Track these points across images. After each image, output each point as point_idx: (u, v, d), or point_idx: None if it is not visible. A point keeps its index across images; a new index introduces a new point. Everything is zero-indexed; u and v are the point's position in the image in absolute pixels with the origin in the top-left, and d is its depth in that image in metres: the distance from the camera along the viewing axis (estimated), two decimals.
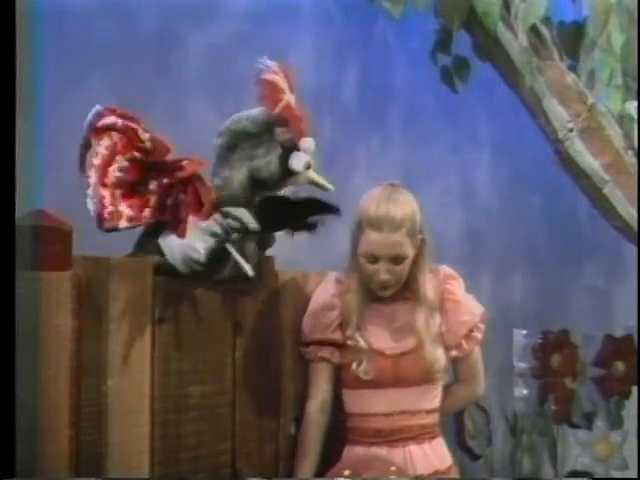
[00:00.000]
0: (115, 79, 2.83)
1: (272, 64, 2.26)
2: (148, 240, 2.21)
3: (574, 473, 3.91)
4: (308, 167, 2.28)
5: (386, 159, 3.74)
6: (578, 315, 4.40)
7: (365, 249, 2.43)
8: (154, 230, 2.20)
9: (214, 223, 2.21)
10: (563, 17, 3.41)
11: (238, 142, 2.27)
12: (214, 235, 2.20)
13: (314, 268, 2.66)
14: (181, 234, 2.16)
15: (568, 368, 3.94)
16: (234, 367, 2.35)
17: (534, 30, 3.25)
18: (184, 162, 2.17)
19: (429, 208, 2.58)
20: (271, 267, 2.48)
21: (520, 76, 3.23)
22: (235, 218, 2.22)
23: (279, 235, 2.41)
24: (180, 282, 2.21)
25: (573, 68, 3.40)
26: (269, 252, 2.44)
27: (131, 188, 2.14)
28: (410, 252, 2.44)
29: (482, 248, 4.15)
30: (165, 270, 2.17)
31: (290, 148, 2.26)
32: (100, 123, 2.13)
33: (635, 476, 3.59)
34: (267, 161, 2.25)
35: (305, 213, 2.33)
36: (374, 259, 2.43)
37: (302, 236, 2.43)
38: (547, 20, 3.30)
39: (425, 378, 2.49)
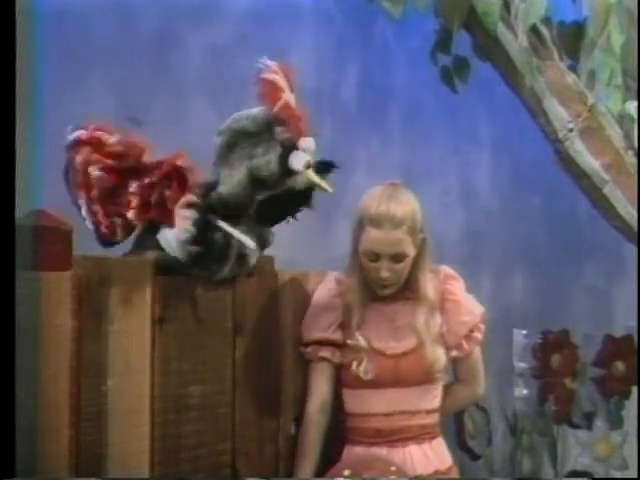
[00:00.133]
0: (115, 79, 2.83)
1: (272, 63, 2.26)
2: (146, 236, 2.21)
3: (574, 473, 3.91)
4: (308, 166, 2.28)
5: (386, 159, 3.74)
6: (578, 315, 4.40)
7: (366, 247, 2.43)
8: (151, 226, 2.20)
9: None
10: (563, 17, 3.41)
11: (238, 141, 2.27)
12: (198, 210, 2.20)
13: (314, 268, 2.66)
14: (171, 224, 2.16)
15: (568, 368, 3.94)
16: (234, 367, 2.35)
17: (534, 30, 3.25)
18: (164, 160, 2.18)
19: (429, 208, 2.58)
20: (271, 267, 2.48)
21: (520, 76, 3.23)
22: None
23: (279, 235, 2.41)
24: (180, 282, 2.21)
25: (573, 68, 3.40)
26: (269, 252, 2.44)
27: (114, 195, 2.15)
28: (411, 251, 2.44)
29: (482, 248, 4.15)
30: (168, 266, 2.17)
31: (290, 147, 2.26)
32: (68, 142, 2.15)
33: (635, 476, 3.59)
34: (266, 160, 2.25)
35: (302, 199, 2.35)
36: (375, 257, 2.43)
37: (302, 236, 2.44)
38: (547, 20, 3.30)
39: (425, 378, 2.50)
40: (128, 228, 2.18)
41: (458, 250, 3.84)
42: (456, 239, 3.95)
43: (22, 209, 1.92)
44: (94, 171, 2.14)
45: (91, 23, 2.80)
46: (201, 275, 2.24)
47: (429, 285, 2.51)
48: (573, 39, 3.40)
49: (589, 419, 3.98)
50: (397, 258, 2.43)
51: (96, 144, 2.17)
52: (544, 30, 3.30)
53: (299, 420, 2.51)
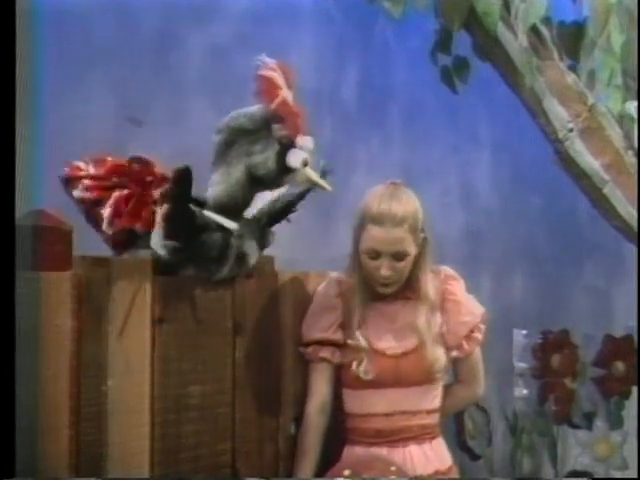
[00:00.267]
0: (115, 79, 2.83)
1: (270, 61, 2.26)
2: (142, 236, 2.21)
3: (574, 473, 3.91)
4: (305, 164, 2.28)
5: (386, 159, 3.74)
6: (578, 315, 4.40)
7: (367, 245, 2.43)
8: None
9: None
10: (563, 17, 3.41)
11: (236, 139, 2.26)
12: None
13: (314, 268, 2.66)
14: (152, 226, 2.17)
15: (568, 368, 3.93)
16: (234, 367, 2.35)
17: (534, 30, 3.25)
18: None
19: (429, 208, 2.57)
20: (271, 267, 2.48)
21: (520, 76, 3.23)
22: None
23: (279, 235, 2.41)
24: (180, 282, 2.21)
25: (573, 68, 3.39)
26: (269, 252, 2.44)
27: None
28: (412, 249, 2.44)
29: (482, 248, 4.15)
30: (162, 265, 2.17)
31: (287, 145, 2.26)
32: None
33: (635, 476, 3.59)
34: (264, 158, 2.25)
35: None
36: (376, 255, 2.43)
37: (302, 236, 2.44)
38: (547, 20, 3.30)
39: (426, 378, 2.49)
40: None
41: (458, 250, 3.84)
42: (456, 239, 3.95)
43: (22, 209, 1.92)
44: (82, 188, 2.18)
45: (91, 23, 2.80)
46: (200, 275, 2.24)
47: (430, 285, 2.51)
48: (573, 39, 3.40)
49: (589, 419, 3.98)
50: (398, 256, 2.43)
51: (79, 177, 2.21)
52: (544, 30, 3.29)
53: (299, 420, 2.51)
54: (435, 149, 3.98)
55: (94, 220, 2.19)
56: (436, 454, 2.53)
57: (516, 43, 3.21)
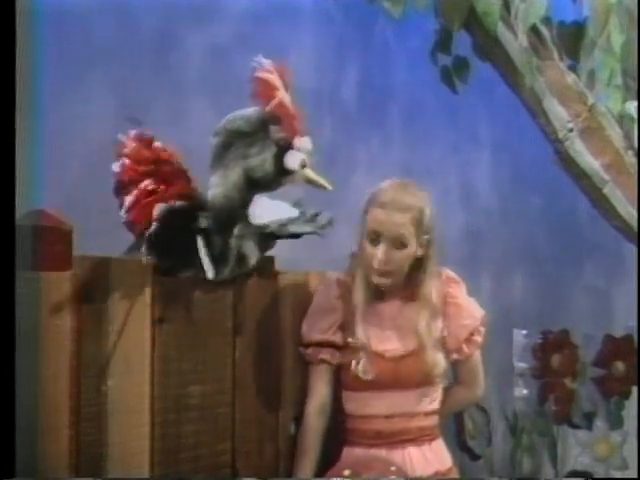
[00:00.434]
0: (115, 79, 2.83)
1: (266, 62, 2.26)
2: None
3: (574, 473, 3.91)
4: (303, 166, 2.27)
5: (386, 159, 3.74)
6: (578, 315, 4.41)
7: (368, 227, 2.43)
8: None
9: None
10: (563, 17, 3.41)
11: (233, 141, 2.26)
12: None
13: (314, 268, 2.66)
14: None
15: (568, 368, 3.94)
16: (234, 367, 2.35)
17: (534, 30, 3.25)
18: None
19: None
20: (271, 267, 2.48)
21: (520, 76, 3.23)
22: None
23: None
24: (180, 282, 2.21)
25: (573, 68, 3.39)
26: (269, 252, 2.43)
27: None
28: (412, 242, 2.42)
29: (482, 248, 4.15)
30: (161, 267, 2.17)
31: (285, 147, 2.25)
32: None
33: (635, 476, 3.60)
34: (261, 160, 2.24)
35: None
36: (375, 237, 2.42)
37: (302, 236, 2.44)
38: (547, 20, 3.30)
39: (425, 381, 2.49)
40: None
41: (458, 250, 3.84)
42: (456, 239, 3.95)
43: (22, 209, 1.92)
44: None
45: (91, 23, 2.80)
46: (201, 276, 2.23)
47: (434, 289, 2.50)
48: (573, 39, 3.40)
49: (589, 419, 3.98)
50: (396, 243, 2.42)
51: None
52: (544, 30, 3.29)
53: (299, 420, 2.51)
54: (435, 149, 3.98)
55: (119, 199, 2.18)
56: (435, 455, 2.53)
57: (516, 43, 3.21)
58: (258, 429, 2.43)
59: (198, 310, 2.25)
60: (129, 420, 2.08)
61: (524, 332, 3.93)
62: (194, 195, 2.22)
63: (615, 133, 3.37)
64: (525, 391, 3.94)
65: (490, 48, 3.24)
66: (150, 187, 2.15)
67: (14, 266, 1.83)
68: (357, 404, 2.50)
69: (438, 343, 2.50)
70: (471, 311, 2.57)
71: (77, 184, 2.67)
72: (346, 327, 2.49)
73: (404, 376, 2.46)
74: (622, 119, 3.39)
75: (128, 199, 2.15)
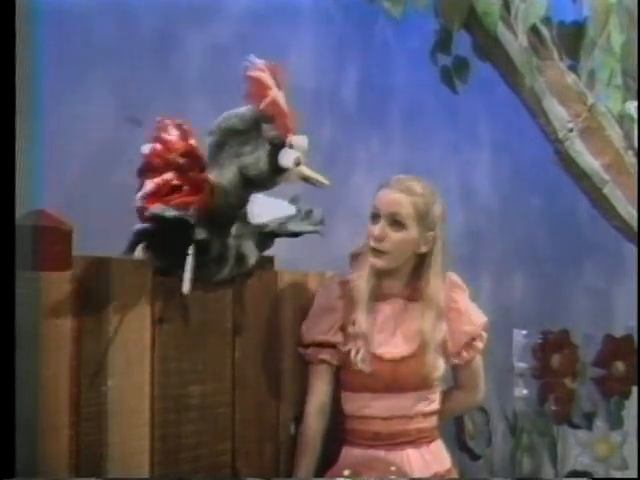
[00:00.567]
0: (115, 79, 2.83)
1: (259, 61, 2.26)
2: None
3: (574, 473, 3.91)
4: (298, 163, 2.26)
5: (386, 159, 3.74)
6: (578, 315, 4.41)
7: (372, 205, 2.44)
8: None
9: None
10: (563, 17, 3.41)
11: (227, 140, 2.25)
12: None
13: (314, 268, 2.66)
14: None
15: (568, 368, 3.94)
16: (234, 367, 2.35)
17: (534, 30, 3.25)
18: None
19: None
20: (271, 267, 2.48)
21: (520, 76, 3.23)
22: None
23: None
24: (180, 282, 2.21)
25: (573, 68, 3.40)
26: (269, 252, 2.44)
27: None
28: (411, 227, 2.41)
29: (482, 248, 4.15)
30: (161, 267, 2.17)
31: (278, 145, 2.24)
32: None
33: (635, 476, 3.60)
34: (255, 158, 2.23)
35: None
36: (375, 215, 2.43)
37: (302, 236, 2.44)
38: (547, 20, 3.30)
39: (422, 384, 2.48)
40: None
41: (458, 250, 3.83)
42: (456, 239, 3.95)
43: (22, 209, 1.92)
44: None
45: (91, 23, 2.80)
46: (201, 276, 2.23)
47: (440, 290, 2.48)
48: (573, 39, 3.40)
49: (589, 419, 3.98)
50: (393, 222, 2.42)
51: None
52: (544, 30, 3.30)
53: (299, 420, 2.51)
54: (435, 149, 3.98)
55: (139, 181, 2.18)
56: (434, 457, 2.52)
57: (516, 43, 3.21)
58: (258, 429, 2.43)
59: (198, 310, 2.25)
60: (129, 420, 2.08)
61: (524, 332, 3.93)
62: (209, 207, 2.19)
63: (615, 133, 3.38)
64: (525, 391, 3.94)
65: (490, 48, 3.24)
66: (174, 182, 2.14)
67: (14, 266, 1.83)
68: (356, 405, 2.50)
69: (440, 346, 2.49)
70: (472, 318, 2.56)
71: (77, 184, 2.67)
72: (346, 328, 2.49)
73: (403, 378, 2.46)
74: (622, 119, 3.40)
75: (149, 186, 2.14)
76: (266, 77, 2.22)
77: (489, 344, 2.64)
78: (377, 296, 2.49)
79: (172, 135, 2.18)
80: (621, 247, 3.93)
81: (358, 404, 2.49)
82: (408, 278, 2.50)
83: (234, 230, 2.28)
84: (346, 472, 2.34)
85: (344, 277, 2.54)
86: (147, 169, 2.16)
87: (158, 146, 2.17)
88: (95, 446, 2.01)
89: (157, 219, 2.11)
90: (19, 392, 1.82)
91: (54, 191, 2.32)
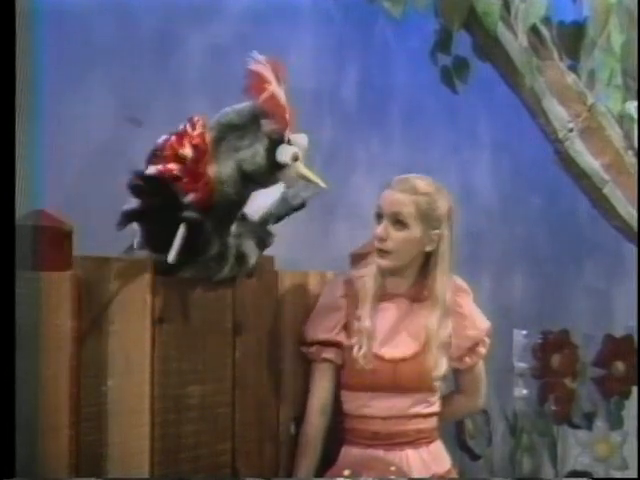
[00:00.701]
0: (115, 79, 2.83)
1: (260, 57, 2.25)
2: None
3: (574, 473, 3.91)
4: (295, 159, 2.25)
5: (386, 159, 3.74)
6: (578, 315, 4.40)
7: (376, 205, 2.44)
8: None
9: None
10: (563, 17, 3.41)
11: (225, 135, 2.25)
12: None
13: (314, 268, 2.66)
14: None
15: (568, 368, 3.94)
16: (234, 367, 2.35)
17: (534, 30, 3.25)
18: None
19: None
20: (271, 267, 2.48)
21: (520, 76, 3.23)
22: None
23: (279, 235, 2.41)
24: (180, 282, 2.21)
25: (573, 68, 3.40)
26: (269, 252, 2.44)
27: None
28: (414, 226, 2.41)
29: (482, 248, 4.15)
30: (160, 267, 2.17)
31: (276, 140, 2.23)
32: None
33: (635, 476, 3.59)
34: (252, 153, 2.22)
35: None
36: (379, 215, 2.43)
37: (302, 236, 2.44)
38: (547, 20, 3.30)
39: (423, 386, 2.47)
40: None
41: (458, 250, 3.84)
42: (456, 239, 3.95)
43: (22, 209, 1.92)
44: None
45: (91, 23, 2.80)
46: (201, 276, 2.23)
47: (447, 289, 2.47)
48: (573, 39, 3.40)
49: (589, 419, 3.98)
50: (396, 222, 2.42)
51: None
52: (544, 30, 3.30)
53: (299, 420, 2.51)
54: (435, 149, 3.98)
55: (145, 166, 2.18)
56: (434, 458, 2.52)
57: (516, 43, 3.21)
58: (258, 429, 2.43)
59: (198, 310, 2.25)
60: (129, 420, 2.08)
61: (524, 332, 3.93)
62: (208, 202, 2.19)
63: (615, 133, 3.38)
64: (525, 391, 3.94)
65: (490, 48, 3.24)
66: (175, 173, 2.14)
67: (14, 266, 1.83)
68: (355, 404, 2.50)
69: (444, 345, 2.48)
70: (476, 322, 2.55)
71: (77, 184, 2.68)
72: (350, 327, 2.48)
73: (403, 379, 2.45)
74: (622, 119, 3.40)
75: (151, 169, 2.13)
76: (266, 71, 2.22)
77: (489, 344, 2.63)
78: (382, 296, 2.49)
79: (189, 130, 2.18)
80: (621, 247, 3.93)
81: (357, 403, 2.49)
82: (414, 277, 2.49)
83: (234, 229, 2.28)
84: (346, 472, 2.34)
85: (349, 276, 2.54)
86: (155, 157, 2.16)
87: (173, 138, 2.17)
88: (95, 446, 2.01)
89: (148, 185, 2.10)
90: (19, 392, 1.82)
91: (54, 191, 2.32)
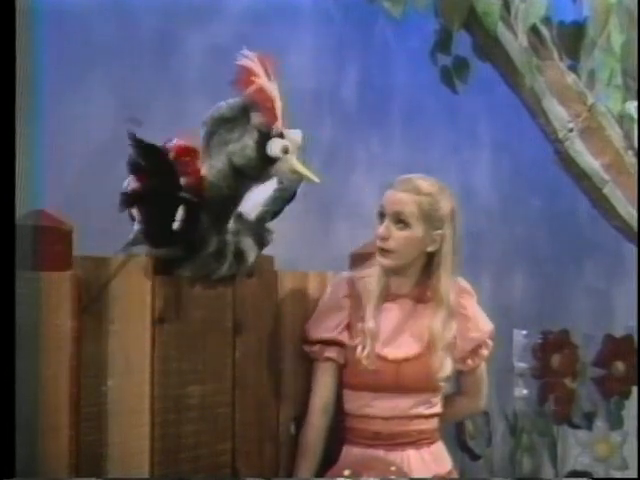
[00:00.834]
0: (115, 79, 2.83)
1: (250, 53, 2.26)
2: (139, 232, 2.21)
3: (574, 473, 3.91)
4: (286, 151, 2.24)
5: (386, 159, 3.74)
6: (578, 315, 4.41)
7: (379, 205, 2.44)
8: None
9: None
10: (563, 17, 3.41)
11: (217, 129, 2.25)
12: None
13: (314, 268, 2.66)
14: None
15: (568, 368, 3.94)
16: (234, 367, 2.35)
17: (534, 30, 3.25)
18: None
19: None
20: (271, 267, 2.48)
21: (520, 76, 3.23)
22: None
23: (279, 235, 2.40)
24: (180, 282, 2.21)
25: (573, 68, 3.40)
26: (269, 252, 2.44)
27: None
28: (416, 226, 2.41)
29: (482, 248, 4.15)
30: (160, 266, 2.17)
31: (266, 133, 2.23)
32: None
33: (635, 476, 3.59)
34: (242, 145, 2.22)
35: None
36: (382, 214, 2.43)
37: (302, 236, 2.44)
38: (547, 20, 3.30)
39: (426, 386, 2.47)
40: None
41: (458, 250, 3.83)
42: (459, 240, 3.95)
43: (22, 209, 1.92)
44: None
45: (91, 23, 2.80)
46: (200, 274, 2.23)
47: (451, 289, 2.46)
48: (573, 39, 3.40)
49: (589, 419, 3.98)
50: (397, 221, 2.41)
51: None
52: (544, 30, 3.30)
53: (299, 420, 2.51)
54: (435, 149, 3.98)
55: None
56: (435, 459, 2.51)
57: (516, 43, 3.21)
58: (258, 429, 2.43)
59: (198, 310, 2.25)
60: (129, 420, 2.08)
61: (524, 332, 3.93)
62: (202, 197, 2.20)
63: (615, 133, 3.38)
64: (525, 391, 3.94)
65: (490, 48, 3.24)
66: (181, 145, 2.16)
67: (14, 266, 1.83)
68: (357, 404, 2.49)
69: (449, 346, 2.47)
70: (480, 324, 2.55)
71: (77, 184, 2.68)
72: (353, 327, 2.48)
73: (405, 379, 2.45)
74: (622, 119, 3.40)
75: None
76: (254, 66, 2.23)
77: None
78: (386, 296, 2.49)
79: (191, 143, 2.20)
80: (621, 247, 3.93)
81: (359, 403, 2.49)
82: (418, 277, 2.49)
83: (232, 226, 2.28)
84: (346, 472, 2.34)
85: (352, 276, 2.53)
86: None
87: (182, 142, 2.19)
88: (95, 446, 2.01)
89: (149, 163, 2.11)
90: (19, 392, 1.82)
91: (54, 191, 2.32)
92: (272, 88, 2.22)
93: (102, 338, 2.03)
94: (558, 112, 3.30)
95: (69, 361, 1.93)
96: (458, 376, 2.58)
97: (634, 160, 3.38)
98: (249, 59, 2.24)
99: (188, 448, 2.22)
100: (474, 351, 2.54)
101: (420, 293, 2.49)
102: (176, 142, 2.19)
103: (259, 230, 2.34)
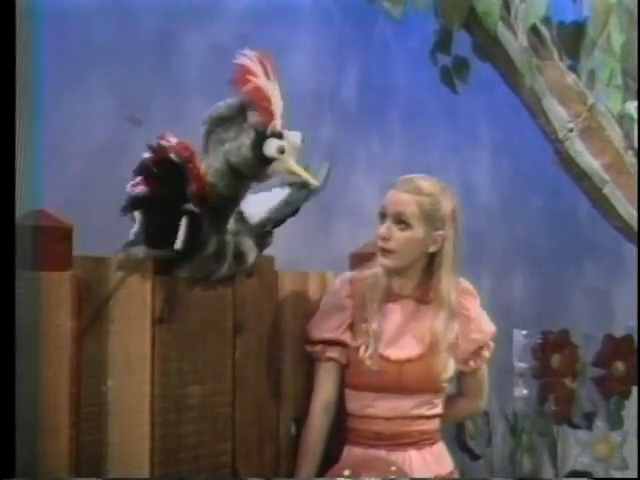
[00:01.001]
0: (115, 79, 2.83)
1: (249, 52, 2.25)
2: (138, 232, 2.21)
3: (574, 473, 3.91)
4: (282, 151, 2.23)
5: (386, 159, 3.74)
6: (578, 315, 4.41)
7: (381, 205, 2.44)
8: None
9: None
10: (563, 17, 3.41)
11: (215, 128, 2.25)
12: None
13: (314, 268, 2.66)
14: None
15: (568, 368, 3.94)
16: (234, 367, 2.35)
17: (534, 30, 3.25)
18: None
19: None
20: (271, 267, 2.48)
21: (520, 76, 3.23)
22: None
23: (279, 235, 2.41)
24: (180, 282, 2.21)
25: (573, 68, 3.39)
26: (269, 252, 2.44)
27: None
28: (417, 226, 2.41)
29: (482, 248, 4.15)
30: (160, 266, 2.17)
31: (263, 133, 2.22)
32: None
33: (635, 476, 3.60)
34: (238, 145, 2.22)
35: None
36: (383, 215, 2.43)
37: (302, 236, 2.43)
38: (547, 20, 3.30)
39: (428, 387, 2.47)
40: None
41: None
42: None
43: (22, 209, 1.92)
44: None
45: (91, 23, 2.80)
46: (200, 274, 2.23)
47: (452, 290, 2.46)
48: (573, 39, 3.40)
49: (589, 419, 3.98)
50: (399, 221, 2.41)
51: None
52: (544, 30, 3.29)
53: (299, 420, 2.51)
54: (435, 149, 3.98)
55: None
56: (436, 459, 2.52)
57: (516, 43, 3.21)
58: (258, 429, 2.43)
59: (198, 310, 2.25)
60: (129, 420, 2.08)
61: (524, 332, 3.93)
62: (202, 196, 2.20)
63: (615, 133, 3.37)
64: (525, 391, 3.94)
65: (490, 48, 3.24)
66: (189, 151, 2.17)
67: (14, 266, 1.83)
68: (359, 404, 2.49)
69: (451, 347, 2.47)
70: (482, 326, 2.55)
71: (77, 184, 2.68)
72: (355, 327, 2.48)
73: (408, 380, 2.45)
74: (622, 119, 3.39)
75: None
76: (252, 64, 2.22)
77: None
78: (389, 297, 2.49)
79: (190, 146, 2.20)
80: (621, 247, 3.93)
81: (361, 403, 2.49)
82: (419, 278, 2.49)
83: (232, 227, 2.28)
84: (346, 472, 2.34)
85: (354, 276, 2.53)
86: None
87: (187, 143, 2.18)
88: (95, 446, 2.01)
89: (160, 171, 2.12)
90: (19, 392, 1.82)
91: (54, 191, 2.32)
92: (270, 87, 2.21)
93: (102, 338, 2.03)
94: (558, 112, 3.30)
95: (69, 361, 1.93)
96: (459, 377, 2.58)
97: (634, 160, 3.38)
98: (247, 58, 2.23)
99: (188, 448, 2.22)
100: (476, 352, 2.54)
101: (422, 294, 2.49)
102: (181, 144, 2.18)
103: (259, 231, 2.34)
